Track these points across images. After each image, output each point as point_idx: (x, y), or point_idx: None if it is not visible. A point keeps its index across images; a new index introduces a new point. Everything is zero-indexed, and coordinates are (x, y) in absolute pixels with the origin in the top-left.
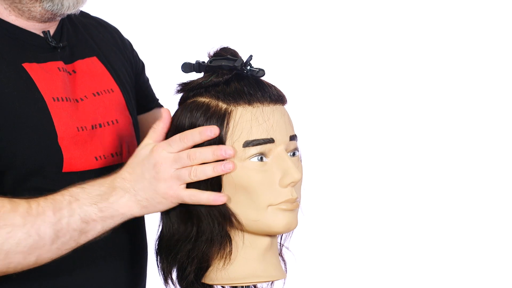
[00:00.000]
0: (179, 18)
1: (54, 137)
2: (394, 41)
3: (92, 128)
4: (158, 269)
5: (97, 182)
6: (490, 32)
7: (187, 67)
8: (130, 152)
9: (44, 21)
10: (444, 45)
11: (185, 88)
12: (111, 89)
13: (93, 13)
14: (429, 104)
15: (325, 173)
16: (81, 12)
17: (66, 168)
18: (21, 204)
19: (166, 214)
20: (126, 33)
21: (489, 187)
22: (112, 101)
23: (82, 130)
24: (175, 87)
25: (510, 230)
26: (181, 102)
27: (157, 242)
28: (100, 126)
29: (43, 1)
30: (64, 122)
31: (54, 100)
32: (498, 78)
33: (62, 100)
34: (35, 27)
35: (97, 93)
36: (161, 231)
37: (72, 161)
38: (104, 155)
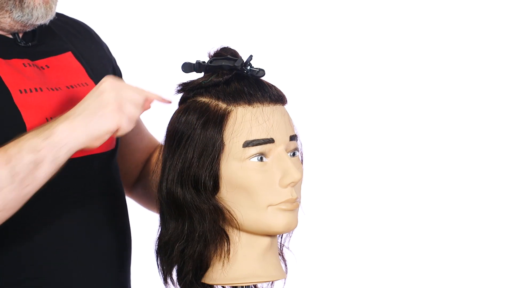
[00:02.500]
0: (179, 18)
1: (23, 128)
2: (394, 41)
3: None
4: (158, 269)
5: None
6: (490, 32)
7: (187, 67)
8: (104, 144)
9: (13, 33)
10: (444, 45)
11: (185, 88)
12: (85, 83)
13: (93, 13)
14: (429, 104)
15: (325, 173)
16: (56, 13)
17: None
18: None
19: (161, 213)
20: (126, 34)
21: (489, 187)
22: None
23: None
24: (175, 87)
25: (510, 230)
26: (181, 102)
27: (156, 242)
28: None
29: (12, 11)
30: (33, 113)
31: (21, 92)
32: (498, 78)
33: (31, 91)
34: (4, 33)
35: (71, 86)
36: (159, 231)
37: None
38: None
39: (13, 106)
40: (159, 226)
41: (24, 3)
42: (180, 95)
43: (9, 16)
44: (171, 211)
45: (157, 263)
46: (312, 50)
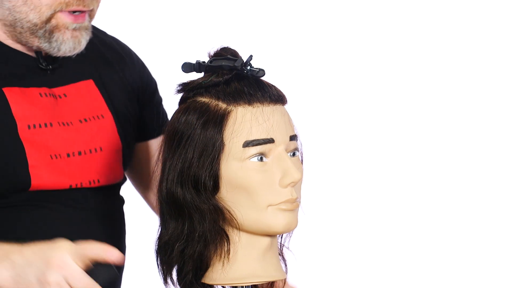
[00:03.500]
0: (179, 18)
1: (25, 165)
2: (394, 41)
3: (68, 156)
4: (158, 269)
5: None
6: (490, 32)
7: (187, 67)
8: (109, 179)
9: (37, 51)
10: (444, 45)
11: (185, 88)
12: (101, 115)
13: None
14: (429, 104)
15: (325, 173)
16: (98, 29)
17: (34, 189)
18: None
19: (161, 213)
20: (126, 34)
21: (489, 187)
22: (100, 128)
23: (56, 158)
24: (175, 87)
25: (510, 230)
26: (181, 102)
27: (156, 242)
28: (80, 154)
29: (41, 39)
30: (37, 150)
31: (29, 128)
32: (498, 78)
33: (41, 126)
34: (29, 49)
35: (85, 119)
36: (159, 230)
37: (42, 187)
38: (81, 183)
39: (18, 141)
40: (159, 226)
41: (53, 37)
42: (180, 95)
43: (38, 41)
44: (171, 211)
45: (157, 263)
46: (312, 50)
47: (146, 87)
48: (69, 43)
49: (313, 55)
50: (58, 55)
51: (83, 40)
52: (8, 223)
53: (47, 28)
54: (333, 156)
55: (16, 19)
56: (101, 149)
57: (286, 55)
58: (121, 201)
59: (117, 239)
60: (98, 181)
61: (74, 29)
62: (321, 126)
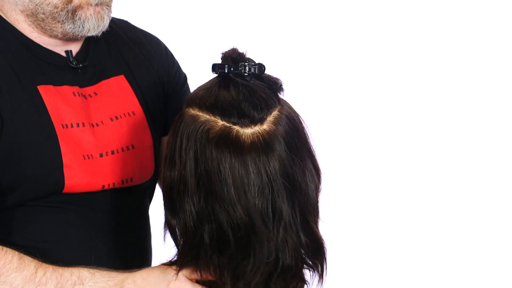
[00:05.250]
0: (179, 18)
1: (60, 165)
2: (394, 41)
3: (101, 156)
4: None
5: (108, 274)
6: (490, 32)
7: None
8: (142, 177)
9: (67, 40)
10: (444, 45)
11: None
12: (133, 112)
13: None
14: (429, 104)
15: (324, 173)
16: (127, 23)
17: (67, 191)
18: (28, 267)
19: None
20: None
21: (489, 187)
22: (131, 125)
23: (89, 158)
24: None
25: (510, 230)
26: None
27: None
28: (113, 153)
29: (64, 23)
30: (71, 150)
31: (63, 127)
32: (498, 78)
33: (72, 126)
34: (57, 44)
35: (116, 117)
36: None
37: (75, 188)
38: (114, 183)
39: (55, 140)
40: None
41: (76, 16)
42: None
43: (61, 27)
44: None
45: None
46: (312, 50)
47: (173, 80)
48: (92, 20)
49: (313, 55)
50: (83, 35)
51: (106, 16)
52: (35, 224)
53: (69, 8)
54: (332, 156)
55: (36, 4)
56: (133, 147)
57: (286, 55)
58: (146, 207)
59: (143, 243)
60: (131, 179)
61: (96, 5)
62: (321, 126)
